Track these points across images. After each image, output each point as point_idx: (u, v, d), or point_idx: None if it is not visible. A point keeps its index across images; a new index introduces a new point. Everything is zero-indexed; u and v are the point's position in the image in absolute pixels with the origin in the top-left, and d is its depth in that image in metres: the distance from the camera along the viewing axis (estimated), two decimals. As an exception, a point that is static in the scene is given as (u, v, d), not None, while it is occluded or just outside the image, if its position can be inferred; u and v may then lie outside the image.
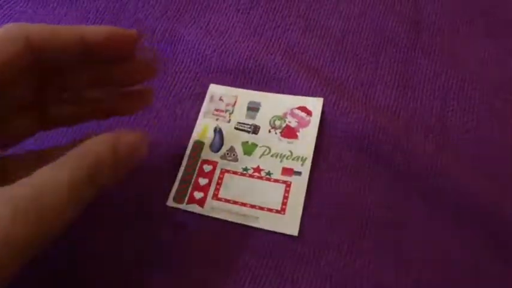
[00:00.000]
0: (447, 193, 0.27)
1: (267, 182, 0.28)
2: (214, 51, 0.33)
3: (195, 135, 0.31)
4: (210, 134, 0.30)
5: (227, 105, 0.32)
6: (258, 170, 0.29)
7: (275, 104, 0.31)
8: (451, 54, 0.33)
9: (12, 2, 0.37)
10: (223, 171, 0.29)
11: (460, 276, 0.25)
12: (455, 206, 0.27)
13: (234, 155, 0.29)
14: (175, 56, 0.34)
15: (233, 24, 0.35)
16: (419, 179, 0.28)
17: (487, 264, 0.25)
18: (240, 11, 0.36)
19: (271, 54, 0.33)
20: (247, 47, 0.33)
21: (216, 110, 0.31)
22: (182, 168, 0.29)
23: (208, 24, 0.35)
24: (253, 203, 0.27)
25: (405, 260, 0.26)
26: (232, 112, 0.31)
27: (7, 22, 0.36)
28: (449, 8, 0.36)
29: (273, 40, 0.34)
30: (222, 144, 0.30)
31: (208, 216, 0.27)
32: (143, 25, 0.35)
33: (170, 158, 0.30)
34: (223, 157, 0.29)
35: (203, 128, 0.31)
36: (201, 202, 0.28)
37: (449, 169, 0.27)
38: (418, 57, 0.33)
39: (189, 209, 0.28)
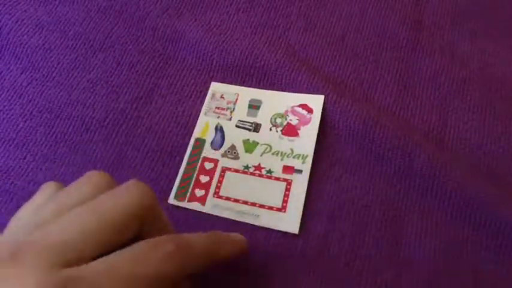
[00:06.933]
0: (447, 193, 0.27)
1: (268, 180, 0.28)
2: (216, 48, 0.33)
3: (197, 133, 0.31)
4: (211, 132, 0.31)
5: (228, 102, 0.32)
6: (259, 168, 0.29)
7: (276, 101, 0.31)
8: (451, 54, 0.33)
9: (14, 0, 0.37)
10: (225, 169, 0.29)
11: (460, 276, 0.25)
12: (455, 206, 0.27)
13: (235, 152, 0.30)
14: (177, 53, 0.34)
15: (234, 23, 0.35)
16: (419, 178, 0.28)
17: (487, 263, 0.25)
18: (241, 10, 0.36)
19: (272, 53, 0.33)
20: (249, 45, 0.33)
21: (218, 107, 0.32)
22: (183, 166, 0.29)
23: (209, 22, 0.35)
24: (254, 201, 0.28)
25: (405, 258, 0.26)
26: (233, 110, 0.31)
27: (8, 20, 0.36)
28: (449, 8, 0.36)
29: (273, 39, 0.34)
30: (223, 142, 0.30)
31: (209, 214, 0.27)
32: (145, 23, 0.35)
33: (171, 155, 0.30)
34: (224, 155, 0.29)
35: (204, 125, 0.31)
36: (202, 200, 0.28)
37: (449, 169, 0.27)
38: (418, 57, 0.33)
39: (191, 207, 0.28)
